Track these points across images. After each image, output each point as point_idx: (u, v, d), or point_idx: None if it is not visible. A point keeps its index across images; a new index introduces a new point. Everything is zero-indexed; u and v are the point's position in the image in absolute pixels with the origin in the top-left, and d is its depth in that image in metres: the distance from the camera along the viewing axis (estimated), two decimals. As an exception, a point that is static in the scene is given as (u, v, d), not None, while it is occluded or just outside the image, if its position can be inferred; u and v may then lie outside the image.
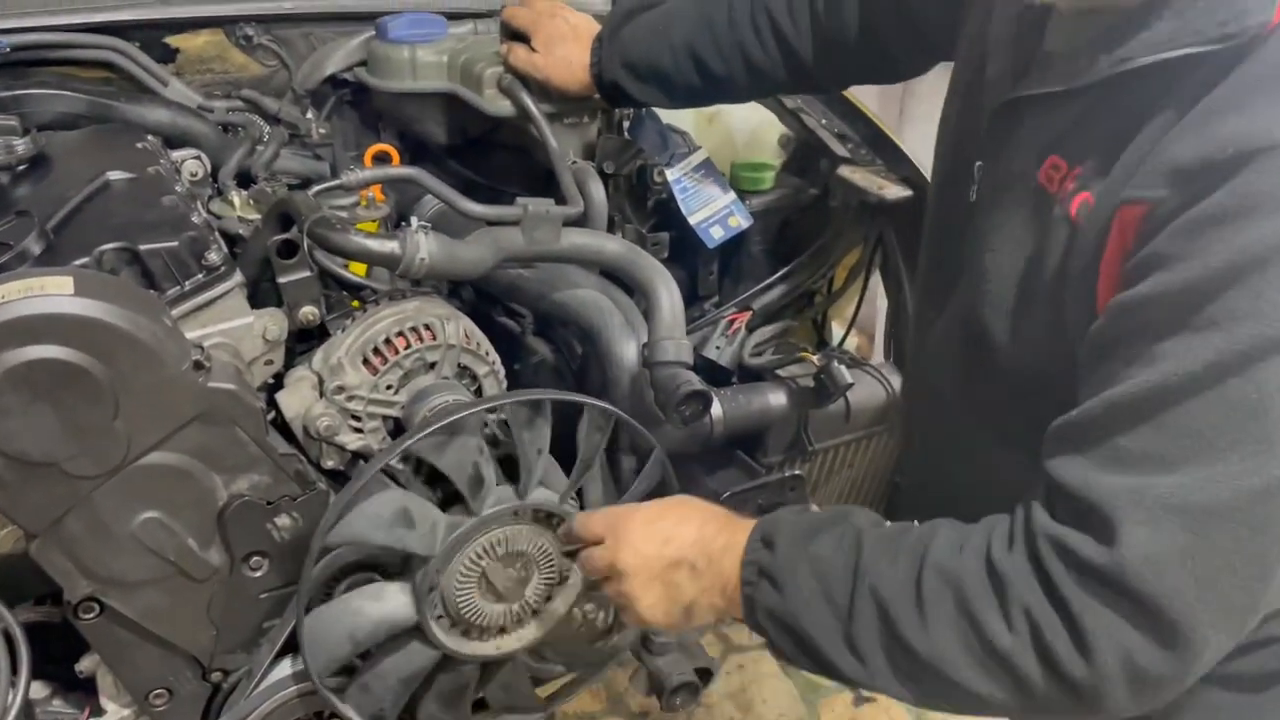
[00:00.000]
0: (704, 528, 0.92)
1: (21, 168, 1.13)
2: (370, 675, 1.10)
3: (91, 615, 1.02)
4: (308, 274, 1.08)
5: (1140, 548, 0.69)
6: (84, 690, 1.15)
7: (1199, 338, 0.66)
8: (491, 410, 1.14)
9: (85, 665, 1.09)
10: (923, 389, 1.11)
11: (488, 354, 1.16)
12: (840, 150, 1.45)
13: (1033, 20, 0.86)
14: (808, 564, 0.84)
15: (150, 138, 1.27)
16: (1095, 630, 0.71)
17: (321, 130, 1.46)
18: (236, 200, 1.28)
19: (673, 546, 0.92)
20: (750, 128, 1.58)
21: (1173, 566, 0.68)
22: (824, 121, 1.49)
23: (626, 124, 1.44)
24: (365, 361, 1.09)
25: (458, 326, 1.13)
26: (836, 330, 1.72)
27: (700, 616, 0.94)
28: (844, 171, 1.41)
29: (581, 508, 1.20)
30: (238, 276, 1.03)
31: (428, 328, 1.11)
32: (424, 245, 1.10)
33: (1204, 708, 0.89)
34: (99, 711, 1.14)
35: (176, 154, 1.28)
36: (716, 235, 1.41)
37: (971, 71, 0.97)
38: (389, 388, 1.10)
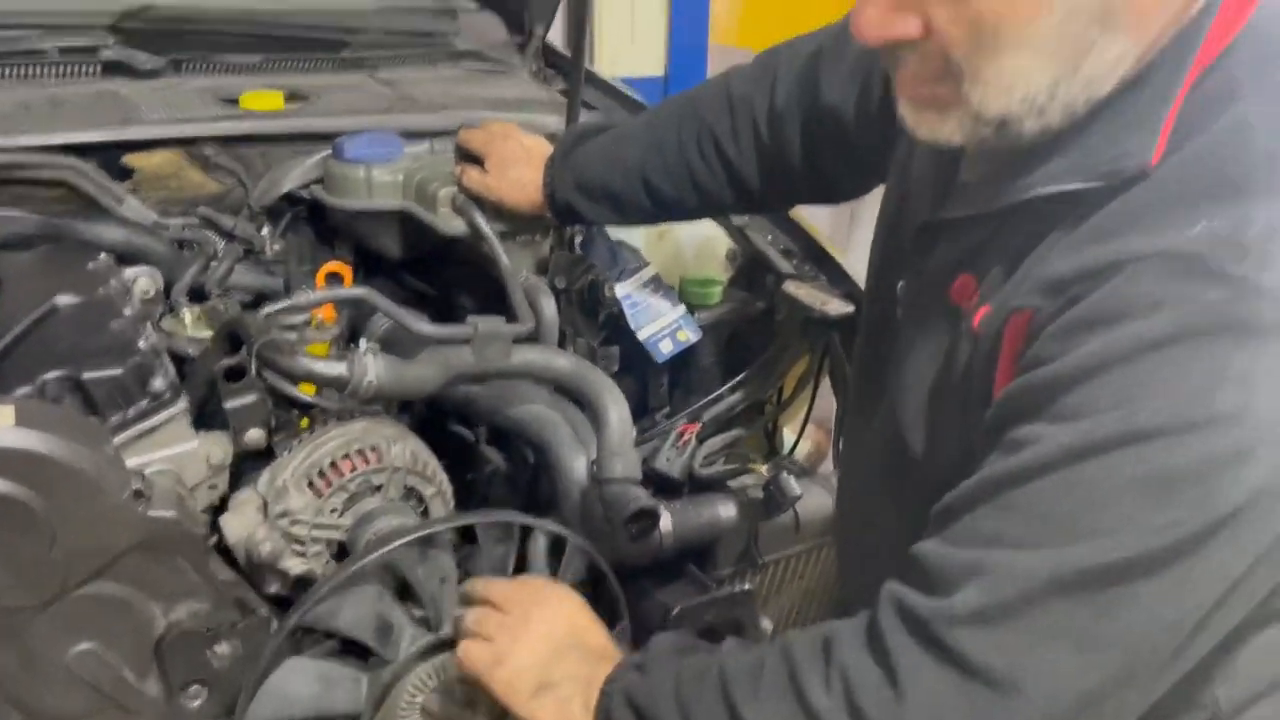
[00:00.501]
0: (583, 663, 0.96)
1: (-31, 292, 1.14)
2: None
3: (21, 751, 1.00)
4: (255, 398, 1.09)
5: (970, 602, 0.71)
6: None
7: (1058, 427, 0.69)
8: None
9: (14, 801, 1.06)
10: (851, 496, 1.13)
11: (434, 475, 1.17)
12: (785, 266, 1.49)
13: (950, 154, 0.91)
14: (669, 671, 0.89)
15: (103, 256, 1.28)
16: (911, 680, 0.73)
17: (276, 246, 1.47)
18: (188, 317, 1.29)
19: (554, 670, 0.96)
20: (699, 243, 1.62)
21: (1000, 623, 0.71)
22: (769, 238, 1.53)
23: (578, 240, 1.47)
24: (310, 485, 1.09)
25: (404, 448, 1.13)
26: (789, 436, 1.74)
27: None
28: (789, 287, 1.45)
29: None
30: (182, 403, 1.04)
31: (374, 449, 1.12)
32: (372, 367, 1.11)
33: None
34: None
35: (129, 272, 1.29)
36: (666, 349, 1.43)
37: (897, 198, 1.02)
38: (334, 511, 1.10)
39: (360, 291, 1.21)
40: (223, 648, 1.04)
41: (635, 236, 1.56)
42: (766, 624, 1.37)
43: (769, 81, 1.24)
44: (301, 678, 1.04)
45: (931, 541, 0.77)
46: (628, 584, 1.19)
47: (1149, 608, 0.69)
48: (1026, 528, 0.71)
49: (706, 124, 1.28)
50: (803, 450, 1.73)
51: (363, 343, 1.11)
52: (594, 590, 1.16)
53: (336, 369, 1.09)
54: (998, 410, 0.76)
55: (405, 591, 1.11)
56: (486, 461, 1.52)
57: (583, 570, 1.17)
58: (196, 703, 1.05)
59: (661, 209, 1.34)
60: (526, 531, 1.21)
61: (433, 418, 1.52)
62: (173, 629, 1.01)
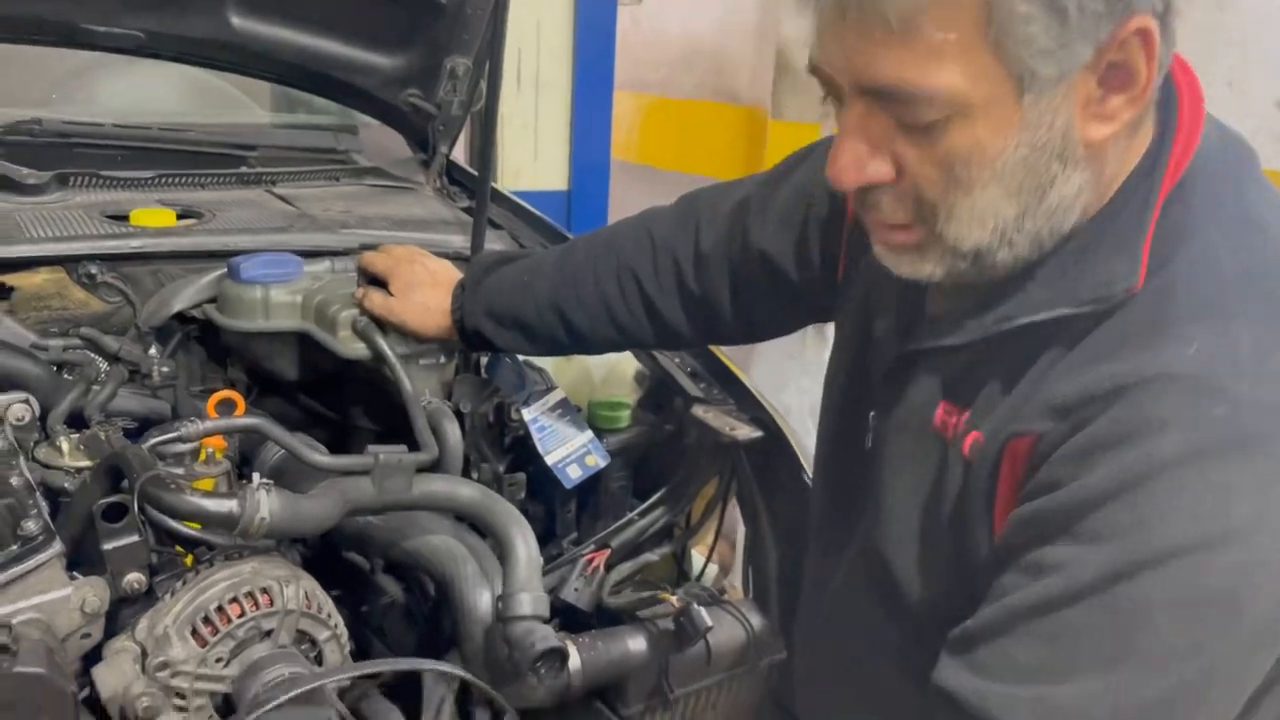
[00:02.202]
0: None
1: None
2: None
3: None
4: (135, 539, 1.02)
5: None
6: None
7: (1082, 549, 0.71)
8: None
9: None
10: (822, 613, 1.10)
11: (329, 616, 1.10)
12: (693, 390, 1.49)
13: (915, 289, 0.92)
14: None
15: (-28, 383, 1.20)
16: None
17: (164, 369, 1.41)
18: (65, 446, 1.22)
19: None
20: (607, 365, 1.61)
21: None
22: (677, 360, 1.53)
23: (484, 362, 1.45)
24: (194, 632, 1.02)
25: (298, 589, 1.07)
26: (698, 559, 1.71)
27: None
28: (697, 411, 1.44)
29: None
30: (55, 547, 0.96)
31: (265, 592, 1.05)
32: (265, 504, 1.05)
33: None
34: None
35: (2, 398, 1.21)
36: (574, 475, 1.40)
37: (858, 331, 1.03)
38: (219, 660, 1.02)
39: (253, 421, 1.16)
40: (90, 818, 0.95)
41: (543, 358, 1.54)
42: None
43: (692, 225, 1.25)
44: None
45: (959, 673, 0.76)
46: (535, 727, 1.14)
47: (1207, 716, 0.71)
48: (1070, 657, 0.71)
49: (626, 262, 1.28)
50: (710, 573, 1.71)
51: (255, 477, 1.05)
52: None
53: (226, 506, 1.03)
54: (1011, 534, 0.77)
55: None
56: (383, 592, 1.46)
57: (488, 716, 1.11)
58: None
59: (576, 342, 1.33)
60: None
61: (324, 544, 1.45)
62: (33, 798, 0.92)
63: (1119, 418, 0.72)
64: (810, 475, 1.39)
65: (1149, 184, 0.78)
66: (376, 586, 1.46)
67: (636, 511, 1.48)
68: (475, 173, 1.78)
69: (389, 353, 1.32)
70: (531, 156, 3.10)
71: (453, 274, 1.37)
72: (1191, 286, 0.75)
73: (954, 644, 0.78)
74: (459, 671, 1.09)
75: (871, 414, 0.96)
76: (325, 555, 1.42)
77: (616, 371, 1.60)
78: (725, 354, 1.55)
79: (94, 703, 1.02)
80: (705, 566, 1.67)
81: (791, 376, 2.73)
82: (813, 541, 1.09)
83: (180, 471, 1.12)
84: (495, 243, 1.70)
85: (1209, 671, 0.70)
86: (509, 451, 1.45)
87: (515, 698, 1.18)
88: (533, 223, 1.85)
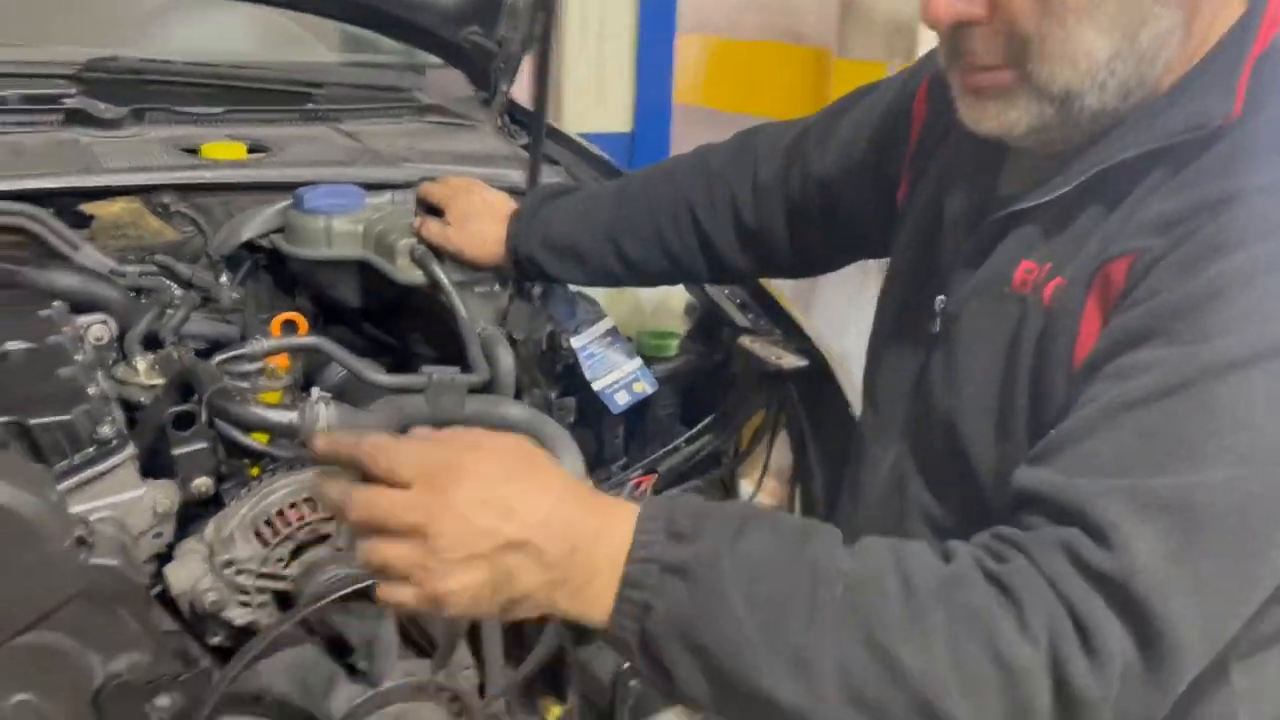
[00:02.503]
0: (561, 504, 0.72)
1: (-79, 337, 1.12)
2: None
3: (-47, 805, 0.97)
4: (203, 446, 1.08)
5: (1143, 553, 0.67)
6: None
7: (1183, 349, 0.70)
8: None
9: None
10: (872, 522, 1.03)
11: (385, 525, 1.16)
12: (741, 320, 1.51)
13: (989, 169, 0.93)
14: (742, 564, 0.69)
15: (56, 304, 1.27)
16: (1108, 641, 0.66)
17: (234, 295, 1.47)
18: (141, 366, 1.28)
19: (515, 523, 0.70)
20: (657, 297, 1.64)
21: (1169, 573, 0.67)
22: (727, 292, 1.55)
23: (537, 292, 1.48)
24: (257, 534, 1.09)
25: (355, 497, 1.13)
26: (747, 489, 1.74)
27: (524, 613, 0.74)
28: (744, 341, 1.47)
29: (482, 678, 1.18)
30: (129, 450, 1.03)
31: (323, 499, 1.11)
32: (324, 415, 1.11)
33: None
34: None
35: (83, 319, 1.28)
36: (621, 400, 1.44)
37: (924, 236, 1.00)
38: (280, 560, 1.09)
39: (314, 340, 1.21)
40: (163, 700, 1.02)
41: (595, 289, 1.57)
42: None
43: (749, 159, 1.27)
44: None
45: (1040, 472, 0.72)
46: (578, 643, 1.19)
47: None
48: (1167, 450, 0.69)
49: (682, 194, 1.30)
50: (759, 504, 1.73)
51: (315, 391, 1.11)
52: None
53: (288, 417, 1.09)
54: (1097, 351, 0.75)
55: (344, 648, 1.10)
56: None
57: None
58: (134, 757, 1.03)
59: (629, 272, 1.36)
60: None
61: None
62: (111, 681, 0.99)
63: (1224, 226, 0.72)
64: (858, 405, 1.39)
65: (1241, 41, 0.78)
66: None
67: (683, 438, 1.51)
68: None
69: (444, 279, 1.36)
70: (595, 99, 3.11)
71: (508, 205, 1.41)
72: None
73: (1033, 458, 0.75)
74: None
75: (940, 298, 0.93)
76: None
77: (667, 303, 1.62)
78: (781, 293, 1.56)
79: (166, 598, 1.10)
80: (753, 497, 1.70)
81: (851, 320, 2.72)
82: (860, 445, 1.06)
83: (246, 386, 1.18)
84: (552, 179, 1.72)
85: None
86: (561, 378, 1.48)
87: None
88: (592, 161, 1.87)
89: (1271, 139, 0.75)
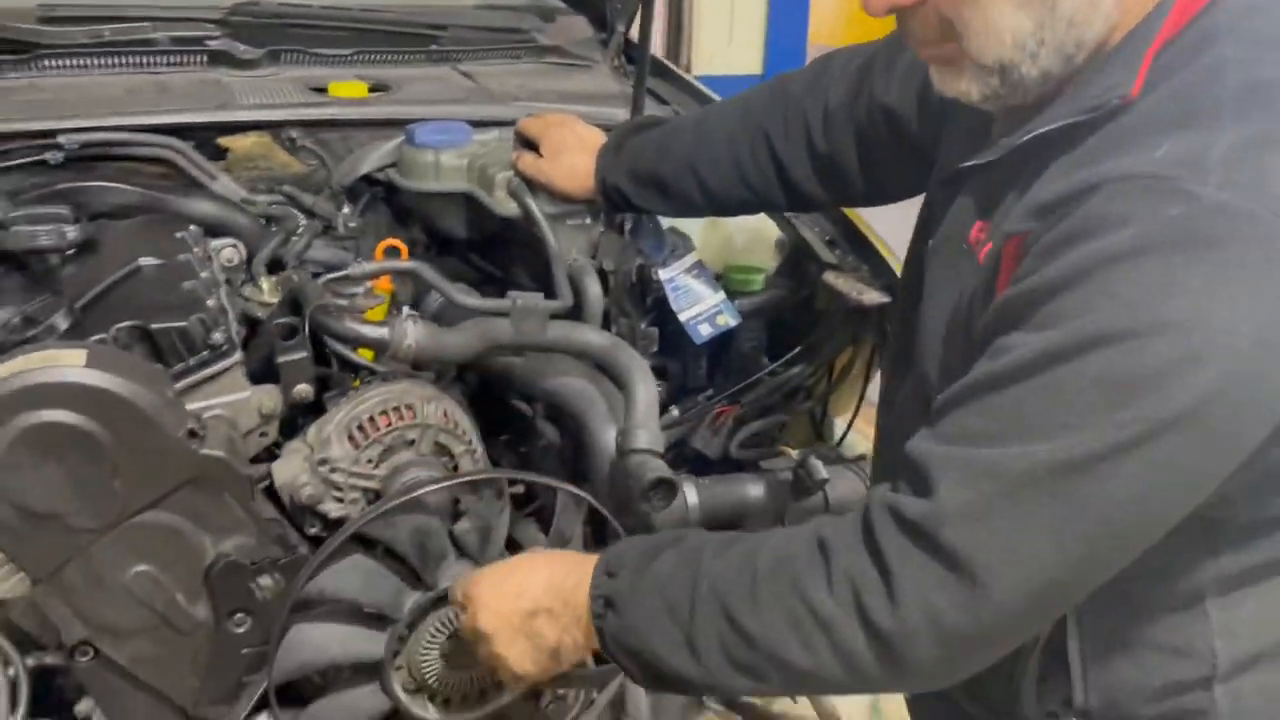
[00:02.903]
0: (553, 571, 0.98)
1: (71, 251, 1.27)
2: (320, 705, 1.17)
3: (86, 659, 1.12)
4: (304, 355, 1.19)
5: (953, 502, 0.77)
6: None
7: (1034, 335, 0.75)
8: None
9: (82, 708, 1.19)
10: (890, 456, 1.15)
11: (464, 434, 1.25)
12: (827, 256, 1.52)
13: (983, 128, 0.96)
14: (649, 582, 0.90)
15: (192, 228, 1.41)
16: (904, 577, 0.77)
17: (352, 224, 1.58)
18: (265, 285, 1.41)
19: (526, 598, 0.97)
20: (749, 230, 1.66)
21: (980, 521, 0.76)
22: (816, 228, 1.56)
23: (628, 225, 1.54)
24: (350, 437, 1.19)
25: (438, 408, 1.22)
26: (840, 425, 1.76)
27: (568, 657, 0.98)
28: (828, 276, 1.48)
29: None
30: (237, 355, 1.15)
31: (409, 407, 1.21)
32: (411, 332, 1.20)
33: None
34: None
35: (216, 242, 1.42)
36: (704, 332, 1.48)
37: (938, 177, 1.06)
38: (369, 462, 1.20)
39: (411, 265, 1.30)
40: (265, 580, 1.15)
41: (688, 222, 1.61)
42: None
43: (823, 85, 1.28)
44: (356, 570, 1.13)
45: (920, 439, 0.83)
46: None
47: (1113, 498, 0.74)
48: (1004, 426, 0.77)
49: (759, 123, 1.32)
50: (854, 443, 1.75)
51: (404, 310, 1.20)
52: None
53: (378, 332, 1.19)
54: (988, 322, 0.82)
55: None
56: (541, 435, 1.60)
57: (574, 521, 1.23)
58: (241, 630, 1.16)
59: (710, 202, 1.39)
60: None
61: (493, 393, 1.61)
62: (220, 559, 1.12)
63: (1084, 214, 0.75)
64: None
65: (1153, 23, 0.79)
66: (537, 430, 1.61)
67: (766, 371, 1.55)
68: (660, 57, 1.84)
69: (536, 210, 1.43)
70: (726, 40, 3.11)
71: (600, 139, 1.45)
72: (1186, 96, 0.77)
73: (929, 418, 0.84)
74: (578, 491, 1.21)
75: (930, 243, 0.99)
76: (492, 402, 1.58)
77: (758, 236, 1.65)
78: (870, 228, 1.57)
79: (271, 491, 1.22)
80: (845, 433, 1.72)
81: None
82: (884, 379, 1.13)
83: (345, 304, 1.28)
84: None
85: (1132, 447, 0.72)
86: (650, 310, 1.54)
87: (638, 525, 1.29)
88: (703, 101, 1.89)
89: (1153, 123, 0.76)
